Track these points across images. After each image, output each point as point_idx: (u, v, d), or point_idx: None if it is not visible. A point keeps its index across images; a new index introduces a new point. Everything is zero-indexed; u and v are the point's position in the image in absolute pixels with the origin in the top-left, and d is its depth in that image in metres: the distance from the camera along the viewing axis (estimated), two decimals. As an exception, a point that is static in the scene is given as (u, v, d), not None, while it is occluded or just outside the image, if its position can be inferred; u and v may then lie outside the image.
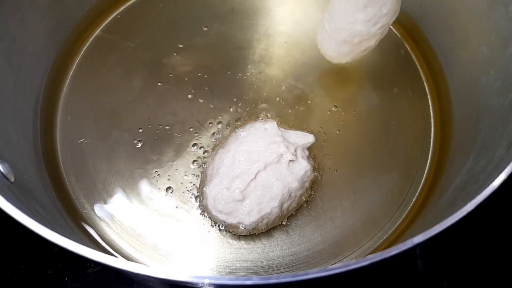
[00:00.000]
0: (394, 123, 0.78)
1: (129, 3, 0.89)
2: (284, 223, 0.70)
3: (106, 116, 0.78)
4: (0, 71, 0.69)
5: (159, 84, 0.81)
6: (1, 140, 0.65)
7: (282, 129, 0.72)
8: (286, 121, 0.77)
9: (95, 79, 0.82)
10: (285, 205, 0.68)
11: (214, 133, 0.76)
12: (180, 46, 0.84)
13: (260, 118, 0.77)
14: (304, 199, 0.71)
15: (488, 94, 0.69)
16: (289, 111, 0.78)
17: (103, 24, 0.86)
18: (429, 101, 0.80)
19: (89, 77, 0.82)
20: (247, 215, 0.66)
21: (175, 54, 0.83)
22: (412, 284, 0.73)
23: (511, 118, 0.60)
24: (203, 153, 0.74)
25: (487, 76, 0.69)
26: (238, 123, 0.77)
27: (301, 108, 0.79)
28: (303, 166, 0.69)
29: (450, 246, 0.73)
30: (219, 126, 0.77)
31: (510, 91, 0.63)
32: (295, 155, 0.69)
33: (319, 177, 0.73)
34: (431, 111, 0.79)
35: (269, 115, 0.78)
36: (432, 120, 0.79)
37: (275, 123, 0.72)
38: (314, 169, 0.72)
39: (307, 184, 0.70)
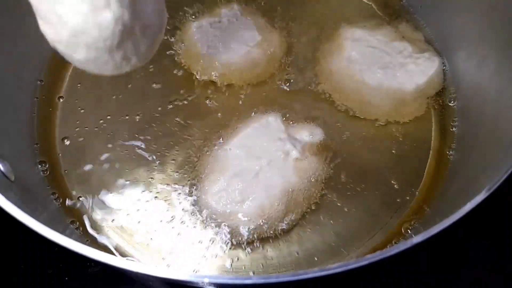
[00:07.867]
0: (395, 124, 0.78)
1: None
2: (284, 223, 0.70)
3: (106, 115, 0.78)
4: (0, 70, 0.69)
5: (159, 79, 0.80)
6: (1, 139, 0.65)
7: (286, 123, 0.70)
8: (291, 117, 0.76)
9: (94, 78, 0.81)
10: (288, 206, 0.66)
11: (214, 127, 0.75)
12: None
13: (262, 111, 0.75)
14: (311, 200, 0.69)
15: (488, 94, 0.69)
16: (293, 106, 0.77)
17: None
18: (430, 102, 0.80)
19: (88, 76, 0.81)
20: (247, 217, 0.65)
21: (175, 48, 0.82)
22: (414, 284, 0.73)
23: (511, 117, 0.60)
24: (203, 150, 0.74)
25: (488, 77, 0.69)
26: (239, 117, 0.76)
27: (303, 105, 0.78)
28: (310, 165, 0.67)
29: (451, 246, 0.73)
30: (219, 123, 0.76)
31: (510, 91, 0.63)
32: (302, 153, 0.67)
33: (323, 176, 0.72)
34: (432, 112, 0.79)
35: (272, 108, 0.76)
36: (432, 120, 0.79)
37: (278, 115, 0.69)
38: (322, 168, 0.71)
39: (314, 184, 0.69)
